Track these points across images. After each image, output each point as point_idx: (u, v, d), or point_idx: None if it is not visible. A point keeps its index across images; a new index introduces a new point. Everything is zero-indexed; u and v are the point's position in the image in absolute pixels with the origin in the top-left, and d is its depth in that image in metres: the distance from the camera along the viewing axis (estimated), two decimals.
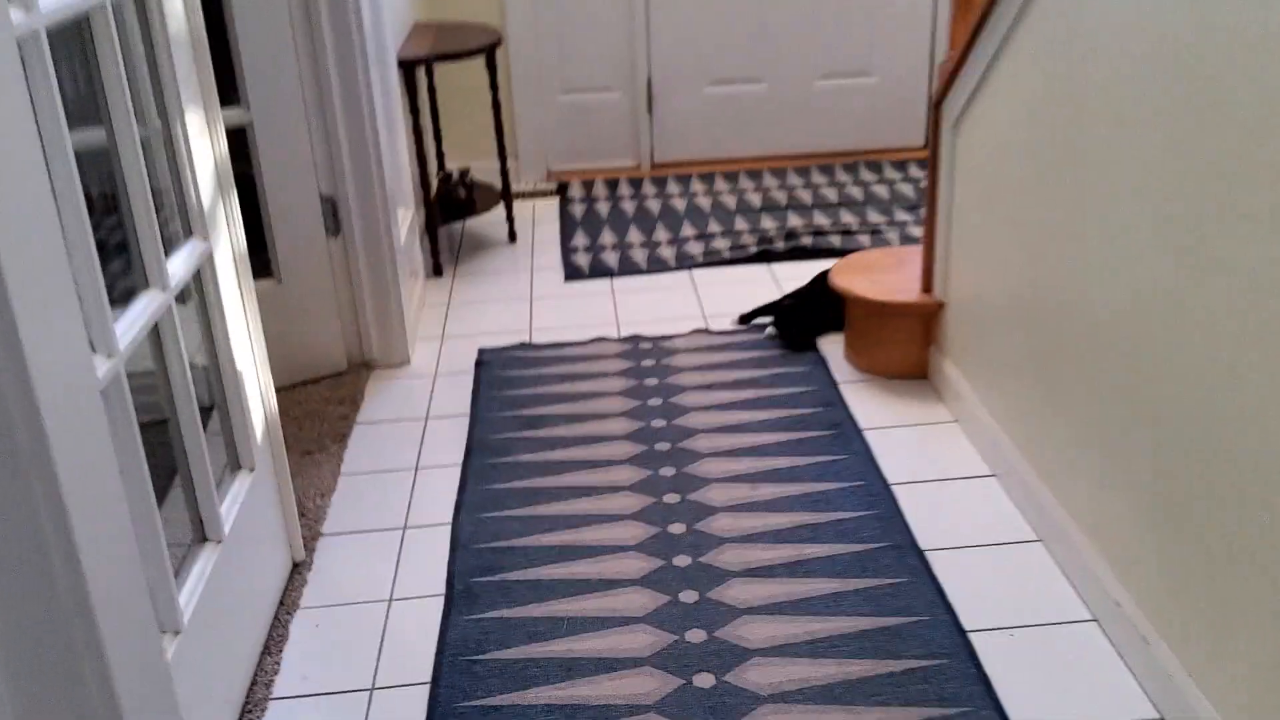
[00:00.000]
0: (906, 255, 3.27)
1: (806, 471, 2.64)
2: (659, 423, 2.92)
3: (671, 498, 2.57)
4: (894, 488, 2.56)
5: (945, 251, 2.85)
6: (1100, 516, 2.07)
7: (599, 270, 4.01)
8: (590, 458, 2.77)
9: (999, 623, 2.12)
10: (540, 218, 4.65)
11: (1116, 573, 2.03)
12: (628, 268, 4.02)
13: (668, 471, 2.68)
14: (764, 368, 3.18)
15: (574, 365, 3.28)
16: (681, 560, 2.35)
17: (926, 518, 2.45)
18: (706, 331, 3.46)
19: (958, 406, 2.82)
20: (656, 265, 4.02)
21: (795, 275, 3.85)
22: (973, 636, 2.09)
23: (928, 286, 2.97)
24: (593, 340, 3.44)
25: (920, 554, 2.32)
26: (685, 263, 4.03)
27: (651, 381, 3.15)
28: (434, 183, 4.35)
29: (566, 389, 3.14)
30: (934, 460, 2.67)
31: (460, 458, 2.82)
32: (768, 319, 3.42)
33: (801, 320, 3.25)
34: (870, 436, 2.79)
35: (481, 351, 3.41)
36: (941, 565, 2.29)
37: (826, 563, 2.31)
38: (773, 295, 3.70)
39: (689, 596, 2.23)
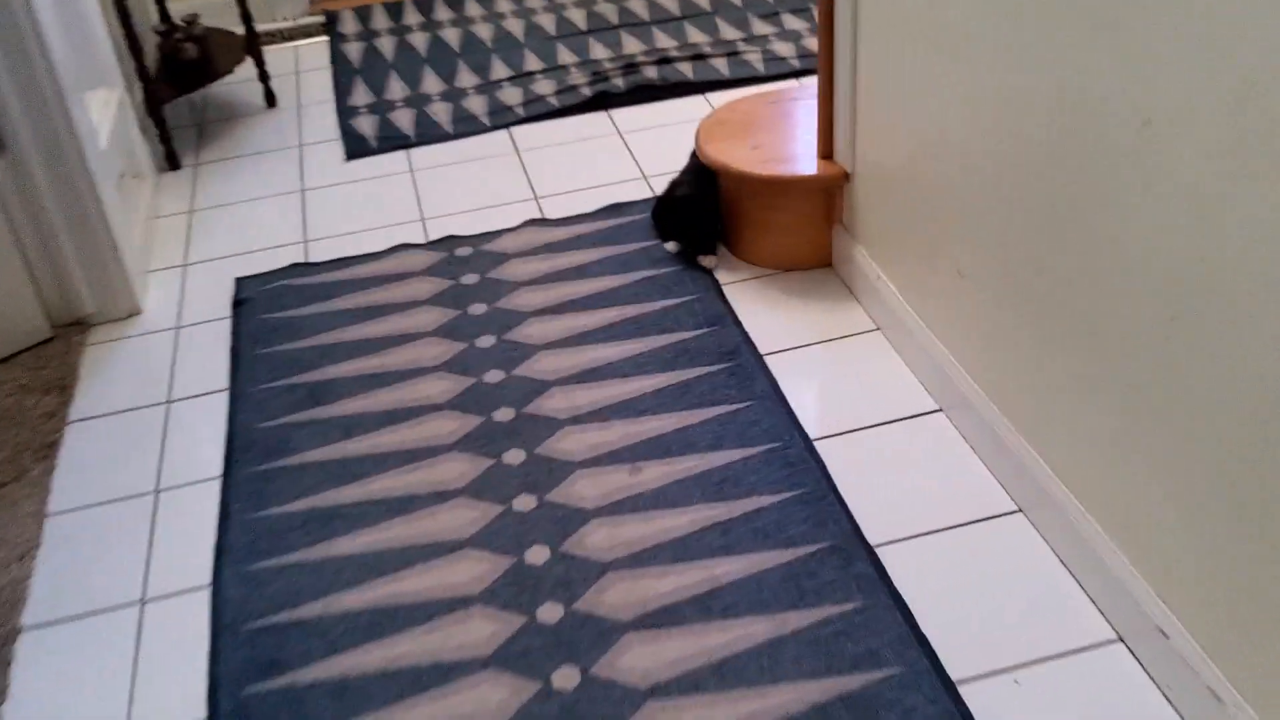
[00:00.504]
0: (790, 99, 2.51)
1: (701, 435, 1.95)
2: (494, 376, 2.15)
3: (524, 502, 1.85)
4: (819, 445, 1.91)
5: (849, 101, 2.10)
6: (1108, 488, 1.47)
7: (390, 139, 3.10)
8: (404, 445, 2.00)
9: (1002, 665, 1.53)
10: (306, 65, 3.65)
11: (1159, 591, 1.45)
12: (428, 132, 3.12)
13: (514, 457, 1.95)
14: (627, 271, 2.43)
15: (368, 293, 2.45)
16: (550, 612, 1.65)
17: (871, 496, 1.81)
18: (542, 222, 2.65)
19: (878, 309, 2.15)
20: (465, 125, 3.14)
21: (644, 123, 3.04)
22: (965, 689, 1.49)
23: (827, 151, 2.24)
24: (392, 250, 2.60)
25: (873, 559, 1.69)
26: (502, 118, 3.16)
27: (478, 309, 2.36)
28: (151, 44, 3.28)
29: (361, 332, 2.32)
30: (863, 393, 2.02)
31: (219, 466, 2.01)
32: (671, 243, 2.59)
33: (701, 213, 2.46)
34: (776, 366, 2.10)
35: (240, 284, 2.53)
36: (901, 569, 1.66)
37: (748, 591, 1.65)
38: (620, 155, 2.90)
39: (568, 676, 1.55)
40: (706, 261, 2.41)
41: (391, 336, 2.30)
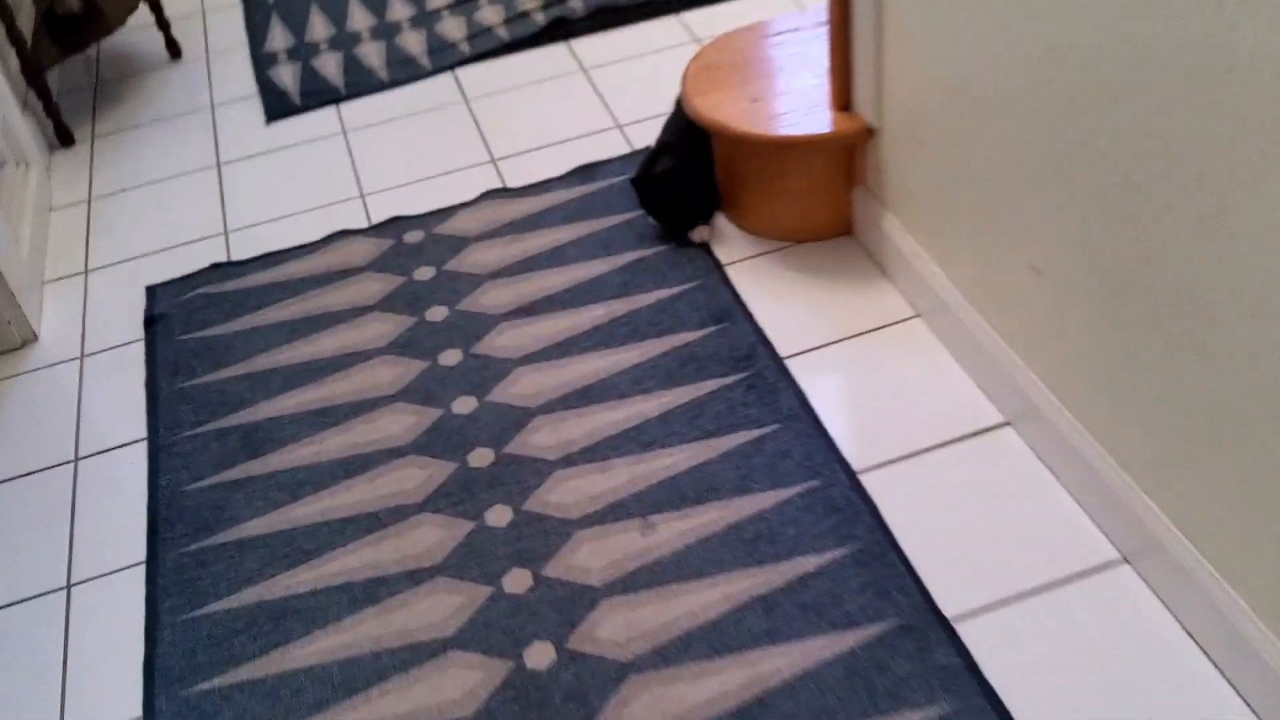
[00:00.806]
0: (791, 32, 2.10)
1: (723, 473, 1.62)
2: (465, 404, 1.80)
3: (517, 580, 1.52)
4: (867, 480, 1.58)
5: (873, 36, 1.71)
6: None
7: (317, 93, 2.66)
8: (363, 507, 1.65)
9: None
10: (212, 4, 3.16)
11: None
12: (360, 81, 2.68)
13: (499, 516, 1.61)
14: (610, 253, 2.05)
15: (305, 299, 2.06)
16: None
17: (940, 548, 1.49)
18: (504, 193, 2.26)
19: (917, 292, 1.80)
20: (403, 70, 2.70)
21: (611, 55, 2.62)
22: None
23: (844, 99, 1.85)
24: (329, 240, 2.20)
25: (955, 641, 1.38)
26: (444, 58, 2.72)
27: (438, 313, 1.98)
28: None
29: (300, 353, 1.94)
30: (910, 405, 1.68)
31: (141, 547, 1.66)
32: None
33: (691, 186, 2.06)
34: (801, 372, 1.76)
35: (152, 294, 2.13)
36: (991, 652, 1.36)
37: (806, 698, 1.34)
38: (586, 98, 2.48)
39: None
40: (699, 234, 2.04)
41: (337, 357, 1.92)
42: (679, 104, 2.24)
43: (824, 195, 1.96)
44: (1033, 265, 1.45)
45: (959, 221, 1.62)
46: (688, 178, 2.02)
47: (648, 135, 2.34)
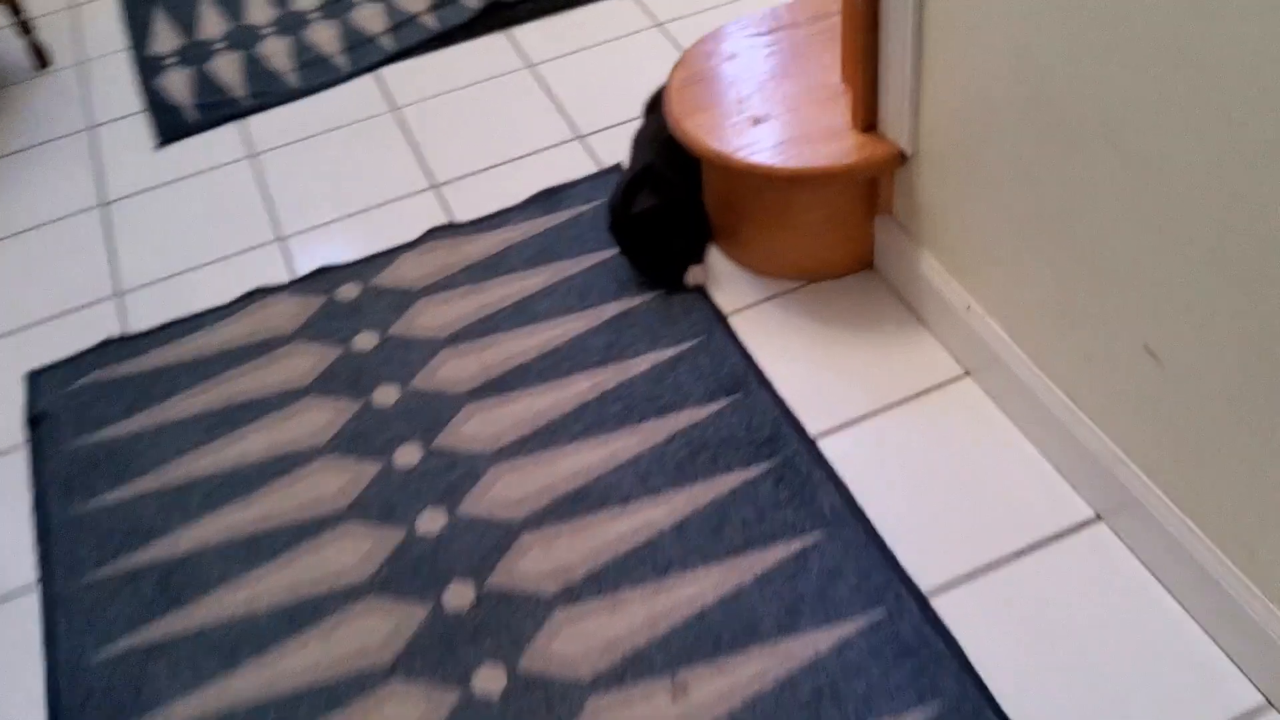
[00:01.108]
0: (790, 28, 1.77)
1: (764, 605, 1.32)
2: (433, 521, 1.47)
3: None
4: (940, 604, 1.30)
5: (910, 46, 1.39)
6: None
7: (215, 106, 2.26)
8: (319, 675, 1.33)
9: None
10: None
11: None
12: (266, 89, 2.28)
13: (490, 680, 1.29)
14: (587, 305, 1.72)
15: (222, 383, 1.70)
16: None
17: (1049, 695, 1.22)
18: (452, 229, 1.90)
19: (963, 343, 1.51)
20: (316, 72, 2.31)
21: (561, 45, 2.25)
22: None
23: (868, 121, 1.53)
24: (245, 301, 1.83)
25: None
26: (365, 56, 2.33)
27: (387, 396, 1.64)
28: None
29: (223, 458, 1.59)
30: (976, 497, 1.40)
31: None
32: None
33: (678, 224, 1.72)
34: (839, 456, 1.46)
35: (35, 383, 1.75)
36: None
37: None
38: (537, 101, 2.12)
39: None
40: (694, 277, 1.72)
41: (269, 461, 1.58)
42: (650, 112, 1.90)
43: (841, 227, 1.65)
44: (1149, 348, 1.16)
45: (1033, 275, 1.33)
46: (674, 213, 1.69)
47: (615, 148, 2.00)
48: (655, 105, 1.91)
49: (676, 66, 1.71)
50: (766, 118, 1.58)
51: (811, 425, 1.50)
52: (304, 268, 1.87)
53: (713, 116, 1.60)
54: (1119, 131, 1.08)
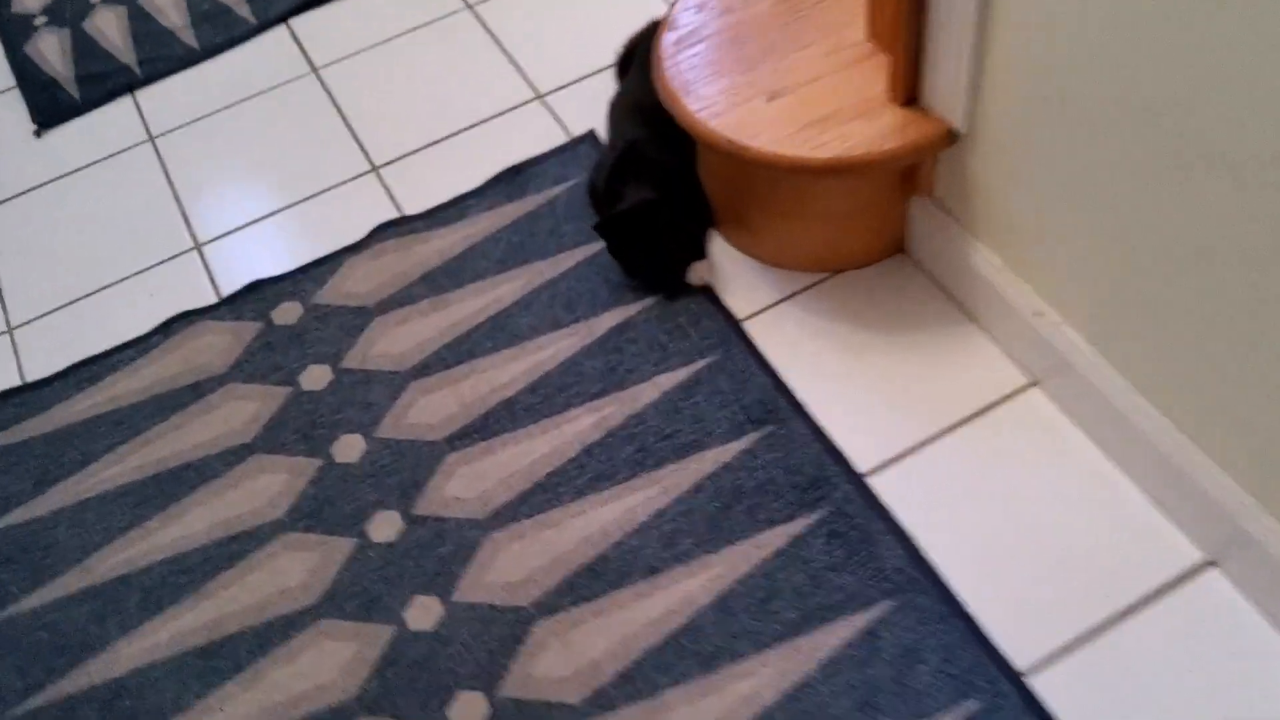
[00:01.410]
0: None
1: (834, 704, 1.12)
2: (423, 612, 1.23)
3: None
4: (1037, 683, 1.10)
5: (973, 3, 1.13)
6: None
7: (101, 78, 1.91)
8: None
9: None
10: None
11: None
12: (159, 54, 1.93)
13: None
14: (576, 317, 1.46)
15: (148, 444, 1.42)
16: None
17: None
18: (403, 225, 1.61)
19: (1027, 347, 1.29)
20: (216, 28, 1.96)
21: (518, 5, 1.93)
22: None
23: (909, 92, 1.27)
24: (165, 330, 1.54)
25: None
26: (273, 4, 1.98)
27: (350, 448, 1.38)
28: None
29: (158, 544, 1.33)
30: (1060, 546, 1.20)
31: None
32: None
33: (676, 217, 1.44)
34: (897, 499, 1.24)
35: None
36: None
37: None
38: (484, 51, 1.81)
39: None
40: (698, 275, 1.46)
41: (215, 545, 1.32)
42: (624, 72, 1.62)
43: (871, 214, 1.40)
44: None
45: (1130, 283, 1.10)
46: (670, 205, 1.42)
47: (583, 109, 1.70)
48: (629, 63, 1.62)
49: (664, 25, 1.42)
50: (783, 91, 1.31)
51: (860, 460, 1.28)
52: (230, 282, 1.58)
53: (717, 91, 1.32)
54: (1235, 115, 0.85)
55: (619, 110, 1.56)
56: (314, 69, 1.86)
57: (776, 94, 1.31)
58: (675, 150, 1.49)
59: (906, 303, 1.41)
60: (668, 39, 1.39)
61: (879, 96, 1.29)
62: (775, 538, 1.23)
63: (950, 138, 1.25)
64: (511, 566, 1.25)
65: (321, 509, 1.33)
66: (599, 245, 1.52)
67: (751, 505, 1.26)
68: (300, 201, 1.67)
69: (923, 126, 1.25)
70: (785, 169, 1.27)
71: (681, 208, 1.45)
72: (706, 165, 1.47)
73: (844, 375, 1.36)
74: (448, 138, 1.71)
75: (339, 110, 1.78)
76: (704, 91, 1.32)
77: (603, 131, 1.65)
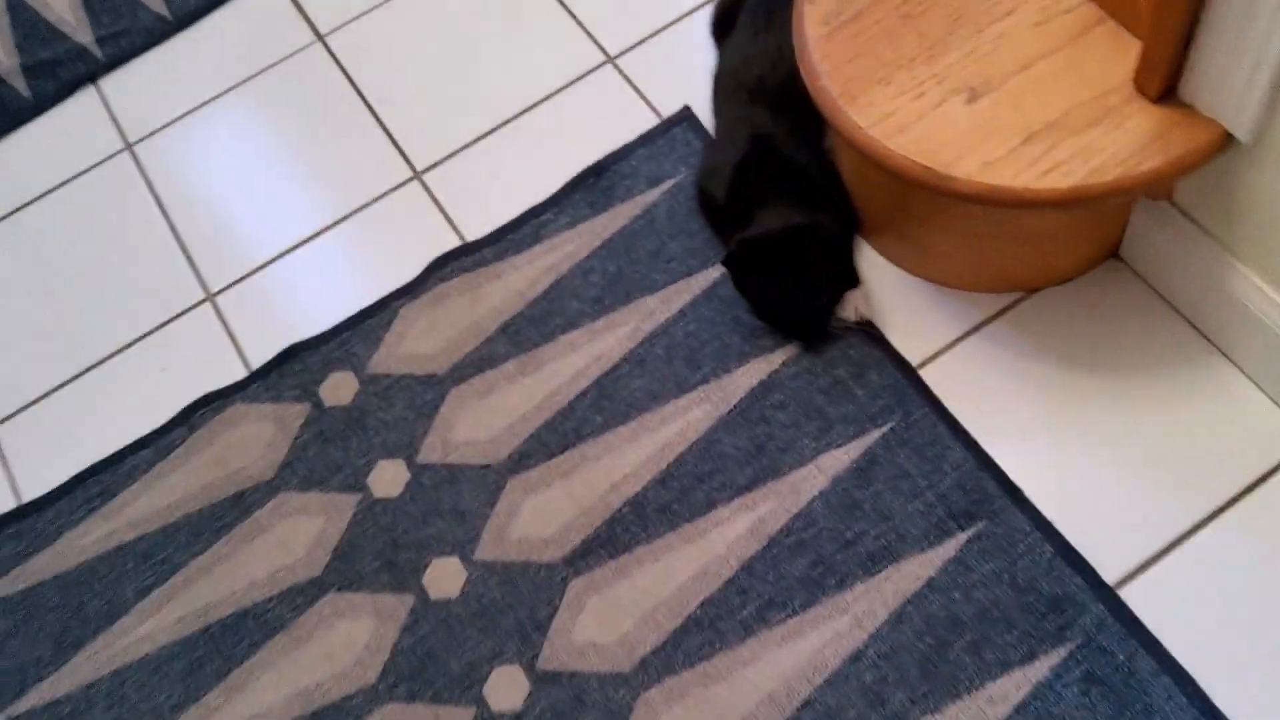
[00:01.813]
0: None
1: None
2: None
3: None
4: None
5: None
6: None
7: (54, 66, 1.53)
8: None
9: None
10: None
11: None
12: (123, 28, 1.55)
13: None
14: (703, 374, 1.15)
15: (189, 587, 1.14)
16: None
17: None
18: (464, 254, 1.28)
19: None
20: None
21: None
22: None
23: (1167, 83, 0.92)
24: (183, 421, 1.23)
25: None
26: None
27: (445, 579, 1.10)
28: None
29: None
30: None
31: None
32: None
33: (817, 250, 1.11)
34: (1163, 622, 0.97)
35: None
36: None
37: None
38: (536, 5, 1.44)
39: None
40: (856, 309, 1.15)
41: None
42: (722, 34, 1.26)
43: (1092, 226, 1.08)
44: None
45: None
46: (817, 229, 1.09)
47: (668, 73, 1.35)
48: (730, 20, 1.26)
49: (808, 1, 1.05)
50: (986, 87, 0.97)
51: (1108, 564, 1.00)
52: (260, 348, 1.27)
53: (893, 92, 0.98)
54: None
55: (728, 87, 1.21)
56: (316, 36, 1.49)
57: (977, 91, 0.96)
58: (812, 143, 1.16)
59: (1130, 329, 1.10)
60: (810, 15, 1.03)
61: (1119, 87, 0.95)
62: (1012, 687, 0.96)
63: (1222, 144, 0.92)
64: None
65: (424, 667, 1.06)
66: (719, 270, 1.20)
67: (975, 640, 0.98)
68: (330, 227, 1.33)
69: (1189, 133, 0.91)
70: (1007, 204, 0.93)
71: (831, 224, 1.13)
72: (856, 167, 1.13)
73: (1065, 438, 1.06)
74: (502, 126, 1.36)
75: (360, 94, 1.42)
76: (875, 94, 0.98)
77: (702, 109, 1.30)
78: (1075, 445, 1.06)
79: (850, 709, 0.98)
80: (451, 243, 1.29)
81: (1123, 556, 1.00)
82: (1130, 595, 0.99)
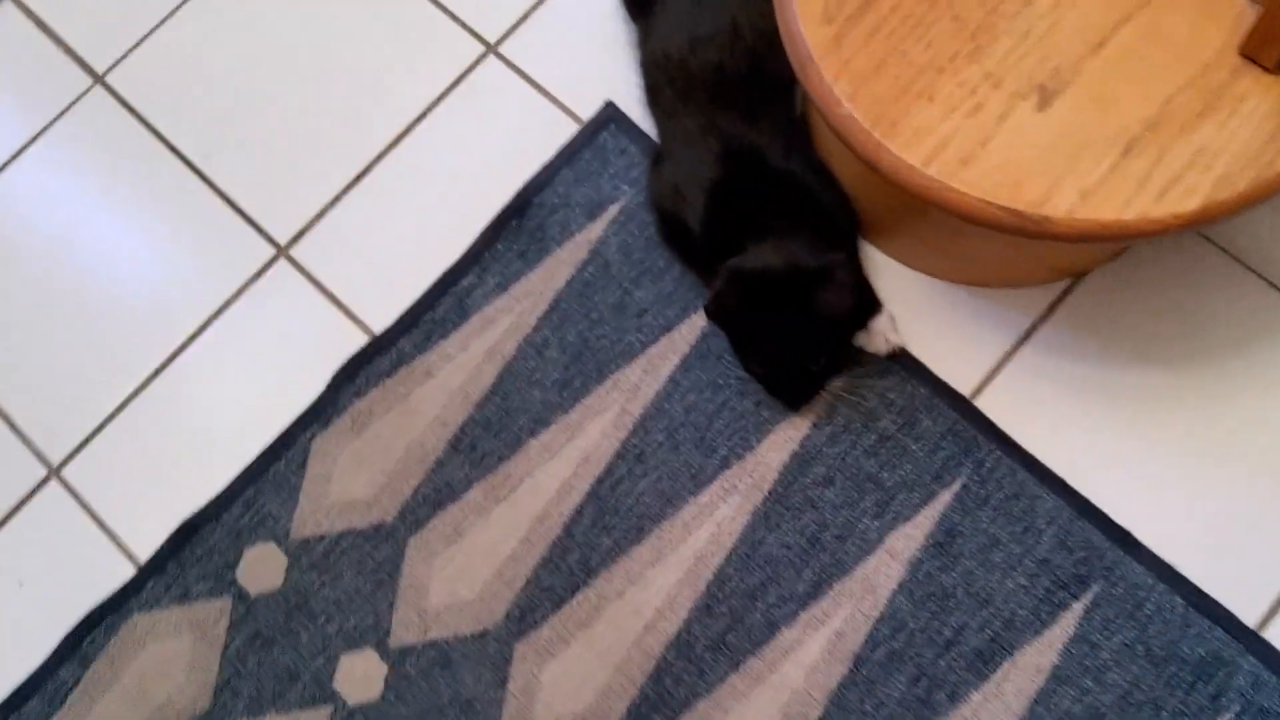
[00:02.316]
0: None
1: None
2: None
3: None
4: None
5: None
6: None
7: None
8: None
9: None
10: None
11: None
12: None
13: None
14: (712, 456, 0.93)
15: None
16: None
17: None
18: (379, 352, 1.00)
19: None
20: None
21: None
22: None
23: None
24: (72, 650, 0.95)
25: None
26: None
27: None
28: None
29: None
30: None
31: None
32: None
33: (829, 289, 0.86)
34: None
35: None
36: None
37: None
38: None
39: None
40: (884, 338, 0.93)
41: None
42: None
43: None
44: None
45: None
46: (830, 273, 0.86)
47: (560, 54, 1.06)
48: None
49: None
50: (1058, 84, 0.74)
51: (1246, 606, 0.86)
52: (144, 534, 0.98)
53: (942, 111, 0.74)
54: None
55: (673, 80, 0.94)
56: (96, 78, 1.12)
57: (1048, 91, 0.73)
58: (802, 143, 0.92)
59: (1210, 304, 0.93)
60: (803, 11, 0.77)
61: (1220, 57, 0.73)
62: None
63: None
64: None
65: None
66: (695, 319, 0.97)
67: None
68: (183, 348, 1.02)
69: None
70: (1122, 239, 0.73)
71: (846, 259, 0.90)
72: (860, 173, 0.89)
73: (1161, 454, 0.90)
74: (375, 163, 1.06)
75: (174, 150, 1.09)
76: (920, 116, 0.74)
77: (629, 101, 1.02)
78: (1174, 461, 0.90)
79: None
80: (355, 340, 1.00)
81: (1258, 590, 0.86)
82: (1277, 636, 0.85)
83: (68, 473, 1.00)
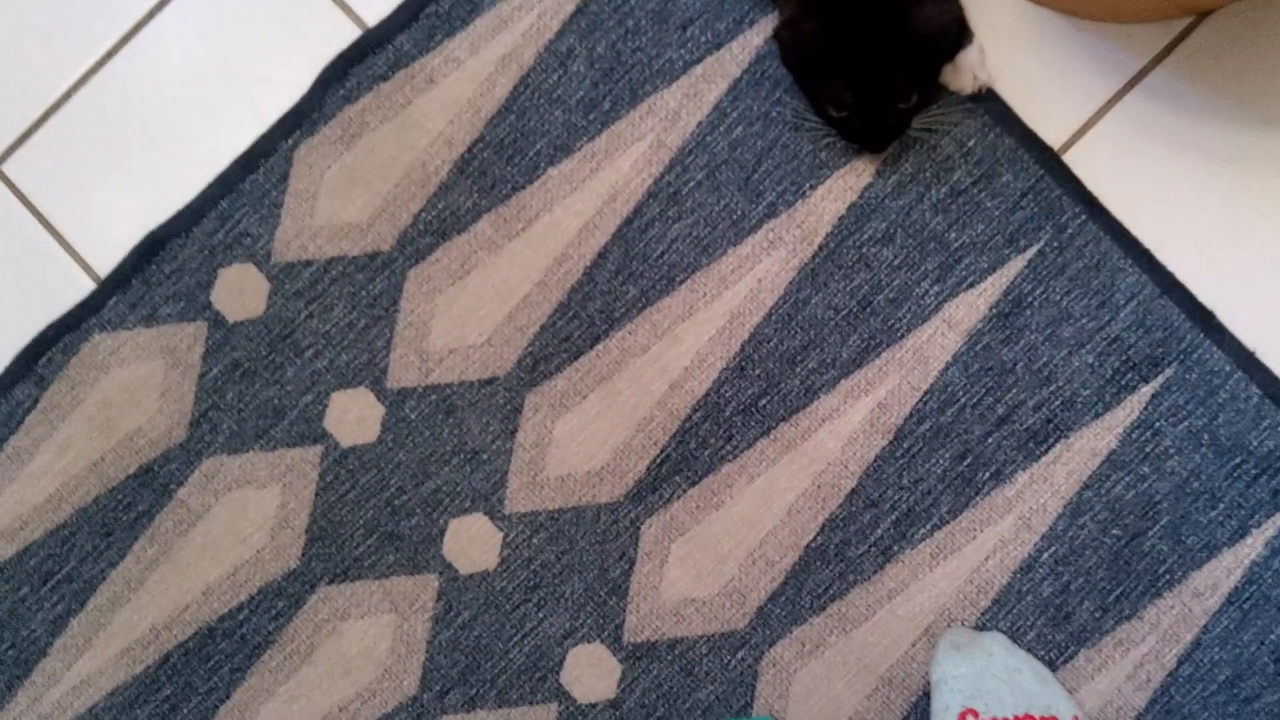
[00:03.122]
0: None
1: None
2: None
3: None
4: None
5: None
6: None
7: None
8: None
9: None
10: None
11: None
12: None
13: None
14: (757, 201, 0.82)
15: (117, 602, 0.83)
16: None
17: None
18: (371, 50, 0.84)
19: None
20: None
21: None
22: None
23: None
24: (27, 368, 0.85)
25: None
26: None
27: (471, 540, 0.82)
28: None
29: None
30: None
31: None
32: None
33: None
34: None
35: None
36: None
37: None
38: None
39: None
40: (968, 75, 0.80)
41: None
42: None
43: None
44: None
45: None
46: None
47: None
48: None
49: None
50: None
51: None
52: (103, 247, 0.86)
53: None
54: None
55: None
56: None
57: None
58: None
59: None
60: None
61: None
62: (1222, 573, 0.78)
63: None
64: None
65: (476, 664, 0.81)
66: (762, 34, 0.82)
67: (1173, 523, 0.79)
68: (139, 25, 0.86)
69: None
70: None
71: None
72: None
73: (1263, 240, 0.80)
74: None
75: None
76: None
77: None
78: (1275, 240, 0.80)
79: (1028, 630, 0.79)
80: (345, 33, 0.85)
81: None
82: None
83: (9, 166, 0.86)
